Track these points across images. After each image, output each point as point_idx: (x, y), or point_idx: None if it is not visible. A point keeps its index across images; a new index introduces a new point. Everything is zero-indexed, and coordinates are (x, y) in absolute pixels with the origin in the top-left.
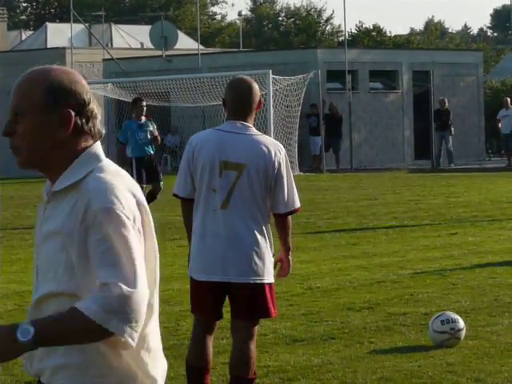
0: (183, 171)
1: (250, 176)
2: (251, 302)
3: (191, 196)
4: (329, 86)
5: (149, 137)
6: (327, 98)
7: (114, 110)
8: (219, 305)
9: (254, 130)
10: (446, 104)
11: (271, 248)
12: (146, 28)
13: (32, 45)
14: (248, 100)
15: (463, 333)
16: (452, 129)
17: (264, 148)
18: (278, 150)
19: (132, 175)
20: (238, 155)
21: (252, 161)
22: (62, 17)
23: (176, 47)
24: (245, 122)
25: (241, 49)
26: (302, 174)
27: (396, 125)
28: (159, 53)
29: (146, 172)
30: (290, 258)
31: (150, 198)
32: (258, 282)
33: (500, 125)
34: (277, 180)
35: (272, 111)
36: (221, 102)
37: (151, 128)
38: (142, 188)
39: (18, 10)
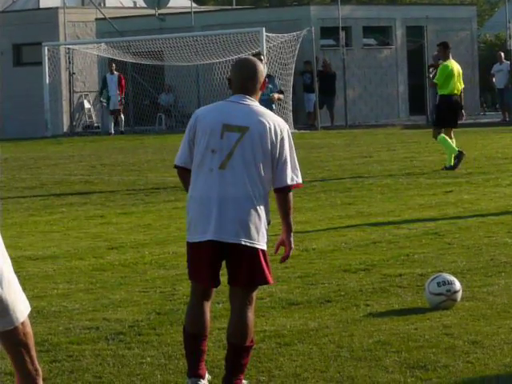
0: (183, 141)
1: (253, 139)
2: (247, 268)
3: (187, 165)
4: (322, 43)
5: (267, 92)
6: (321, 55)
7: (109, 69)
8: (216, 270)
9: (259, 105)
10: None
11: (267, 216)
12: None
13: (24, 5)
14: (253, 79)
15: (459, 294)
16: None
17: (268, 119)
18: (281, 125)
19: None
20: (242, 119)
21: (255, 125)
22: None
23: (169, 5)
24: (250, 96)
25: (234, 6)
26: (296, 131)
27: (390, 81)
28: (152, 12)
29: None
30: (292, 239)
31: None
32: (250, 245)
33: (494, 79)
34: (279, 155)
35: (265, 69)
36: (214, 60)
37: (272, 85)
38: None
39: None
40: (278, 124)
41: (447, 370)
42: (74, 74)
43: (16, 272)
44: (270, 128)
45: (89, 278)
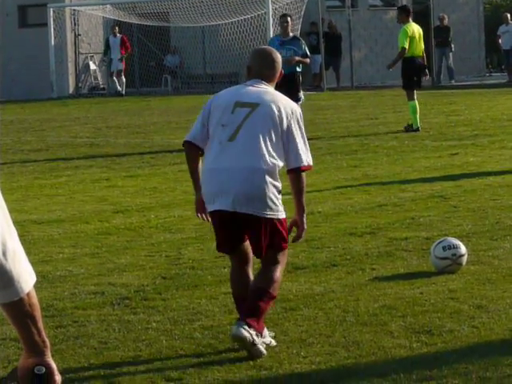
0: (197, 118)
1: (262, 114)
2: (263, 237)
3: (196, 141)
4: (328, 4)
5: (289, 54)
6: (327, 16)
7: (111, 31)
8: (231, 237)
9: (273, 89)
10: (446, 20)
11: (277, 185)
12: None
13: None
14: (271, 68)
15: (465, 258)
16: (452, 45)
17: (280, 100)
18: (293, 108)
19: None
20: (254, 97)
21: (266, 102)
22: None
23: None
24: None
25: None
26: (302, 92)
27: (396, 42)
28: None
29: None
30: (305, 219)
31: None
32: (261, 215)
33: (500, 40)
34: (289, 136)
35: (272, 30)
36: (220, 22)
37: (296, 48)
38: None
39: None
40: (289, 106)
41: (452, 335)
42: (79, 35)
43: (21, 236)
44: (280, 108)
45: (94, 242)
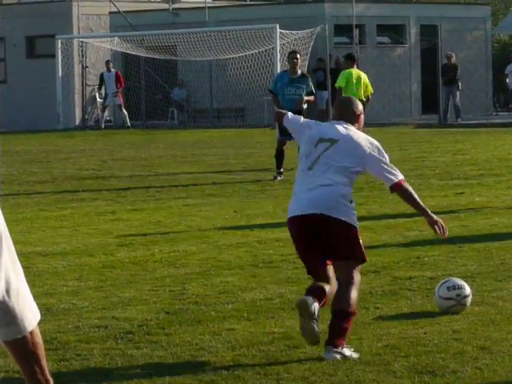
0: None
1: (339, 147)
2: (344, 240)
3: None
4: (336, 40)
5: (298, 92)
6: (334, 53)
7: (122, 63)
8: (316, 243)
9: (355, 129)
10: (454, 59)
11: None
12: None
13: None
14: (350, 113)
15: (469, 299)
16: (459, 84)
17: (359, 137)
18: (370, 140)
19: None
20: (335, 134)
21: (345, 138)
22: None
23: (183, 0)
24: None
25: (248, 2)
26: None
27: (403, 79)
28: (166, 6)
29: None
30: (431, 217)
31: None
32: (345, 220)
33: (507, 79)
34: (373, 163)
35: (279, 66)
36: (228, 56)
37: (305, 85)
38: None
39: None
40: (367, 139)
41: (456, 376)
42: (86, 67)
43: (26, 268)
44: (358, 142)
45: (98, 276)
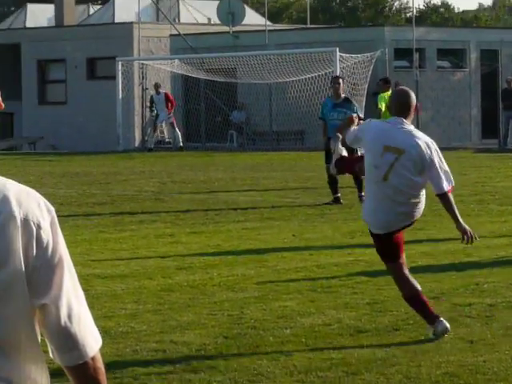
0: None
1: (407, 158)
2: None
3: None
4: (396, 64)
5: (340, 117)
6: (394, 76)
7: (181, 85)
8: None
9: (412, 126)
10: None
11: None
12: (214, 3)
13: (100, 19)
14: (408, 106)
15: None
16: None
17: (421, 141)
18: (429, 143)
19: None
20: (399, 142)
21: (410, 148)
22: None
23: (243, 23)
24: (405, 120)
25: (308, 25)
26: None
27: (463, 104)
28: (226, 29)
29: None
30: (462, 226)
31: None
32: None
33: None
34: (431, 168)
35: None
36: (288, 79)
37: (348, 110)
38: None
39: None
40: (428, 143)
41: None
42: (146, 89)
43: (85, 291)
44: (422, 148)
45: (157, 299)
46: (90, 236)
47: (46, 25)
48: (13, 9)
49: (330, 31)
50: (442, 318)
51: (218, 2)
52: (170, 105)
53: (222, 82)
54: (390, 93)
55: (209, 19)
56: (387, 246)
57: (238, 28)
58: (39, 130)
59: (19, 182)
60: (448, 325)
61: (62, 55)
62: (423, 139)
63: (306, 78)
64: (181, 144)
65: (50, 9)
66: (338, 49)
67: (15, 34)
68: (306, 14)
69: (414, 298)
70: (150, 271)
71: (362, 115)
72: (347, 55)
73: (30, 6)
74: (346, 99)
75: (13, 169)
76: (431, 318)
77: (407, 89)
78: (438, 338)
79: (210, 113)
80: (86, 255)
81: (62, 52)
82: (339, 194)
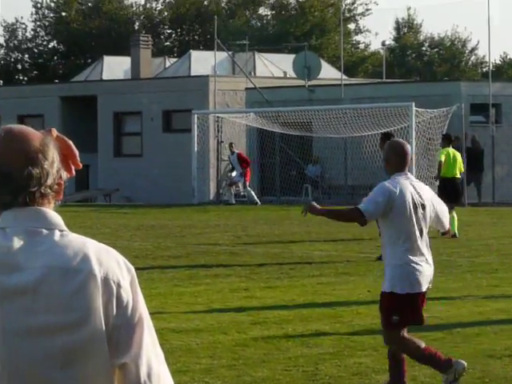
0: (377, 199)
1: (429, 211)
2: None
3: (369, 218)
4: (472, 119)
5: None
6: (470, 131)
7: (257, 138)
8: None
9: (415, 178)
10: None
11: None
12: (289, 57)
13: (176, 72)
14: (407, 161)
15: None
16: None
17: (429, 190)
18: (428, 189)
19: None
20: (422, 197)
21: (428, 201)
22: (206, 44)
23: (319, 77)
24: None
25: (384, 79)
26: None
27: None
28: (302, 82)
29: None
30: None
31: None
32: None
33: None
34: (436, 211)
35: (414, 144)
36: (363, 133)
37: None
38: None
39: (162, 37)
40: (427, 189)
41: None
42: (222, 142)
43: (159, 344)
44: (432, 198)
45: (231, 354)
46: (165, 289)
47: (122, 77)
48: (89, 61)
49: (406, 85)
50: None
51: (293, 55)
52: (245, 164)
53: (297, 136)
54: (451, 150)
55: (284, 73)
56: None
57: (313, 82)
58: (114, 182)
59: (94, 234)
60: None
61: (138, 108)
62: (428, 188)
63: (380, 133)
64: (257, 201)
65: (126, 61)
66: (413, 103)
67: (92, 86)
68: (382, 68)
69: (428, 355)
70: (225, 326)
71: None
72: (423, 110)
73: (107, 59)
74: None
75: (88, 221)
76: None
77: (402, 141)
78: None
79: (285, 166)
80: (160, 309)
81: (138, 104)
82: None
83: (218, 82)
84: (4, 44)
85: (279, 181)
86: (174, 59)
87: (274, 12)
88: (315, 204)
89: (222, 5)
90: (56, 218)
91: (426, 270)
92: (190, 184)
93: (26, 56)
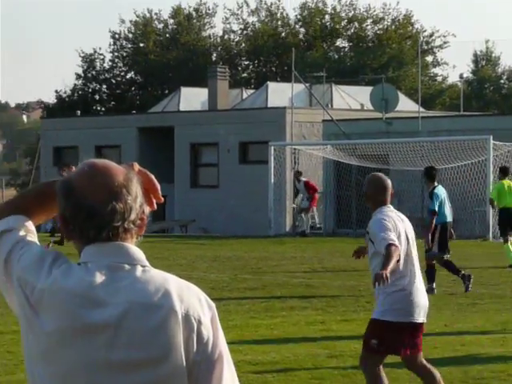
0: (388, 227)
1: (414, 239)
2: None
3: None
4: None
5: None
6: None
7: (333, 171)
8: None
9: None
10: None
11: None
12: (367, 89)
13: (253, 103)
14: (389, 191)
15: None
16: None
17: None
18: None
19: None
20: (407, 227)
21: (411, 229)
22: (283, 76)
23: (396, 109)
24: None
25: (461, 112)
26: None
27: None
28: (379, 115)
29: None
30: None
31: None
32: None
33: None
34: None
35: (491, 177)
36: (441, 166)
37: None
38: None
39: (239, 68)
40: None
41: None
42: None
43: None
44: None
45: None
46: (242, 321)
47: (199, 108)
48: (166, 92)
49: (484, 119)
50: None
51: (371, 87)
52: (312, 191)
53: (374, 168)
54: (506, 181)
55: (362, 105)
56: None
57: (391, 114)
58: (191, 213)
59: (170, 265)
60: None
61: (215, 139)
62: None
63: (458, 166)
64: (305, 231)
65: (203, 92)
66: (491, 136)
67: (169, 118)
68: (460, 101)
69: None
70: (301, 358)
71: None
72: (501, 143)
73: (184, 90)
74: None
75: (164, 252)
76: None
77: (382, 175)
78: None
79: (362, 199)
80: (237, 341)
81: (215, 136)
82: (434, 285)
83: (295, 114)
84: (82, 74)
85: (355, 213)
86: (251, 91)
87: (351, 44)
88: (379, 272)
89: (300, 36)
90: (138, 253)
91: (421, 299)
92: (266, 215)
93: (104, 86)
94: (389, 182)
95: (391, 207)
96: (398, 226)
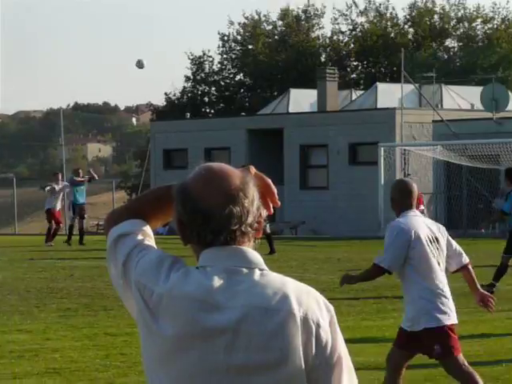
0: (394, 246)
1: (443, 245)
2: None
3: (391, 269)
4: None
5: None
6: None
7: (443, 171)
8: None
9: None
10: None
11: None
12: (477, 89)
13: (362, 104)
14: (413, 195)
15: None
16: None
17: (437, 224)
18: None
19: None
20: (432, 232)
21: (438, 233)
22: (393, 76)
23: (507, 109)
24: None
25: None
26: None
27: None
28: (489, 115)
29: None
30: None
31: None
32: None
33: None
34: (451, 244)
35: None
36: None
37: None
38: None
39: (348, 69)
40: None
41: None
42: (409, 174)
43: None
44: (441, 231)
45: None
46: (354, 323)
47: (308, 110)
48: (275, 93)
49: None
50: None
51: (481, 87)
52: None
53: (485, 169)
54: None
55: (472, 105)
56: None
57: (501, 114)
58: (301, 215)
59: (281, 266)
60: None
61: (325, 140)
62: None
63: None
64: None
65: (312, 94)
66: None
67: (278, 119)
68: None
69: None
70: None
71: None
72: None
73: (293, 92)
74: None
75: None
76: None
77: (407, 181)
78: None
79: (472, 199)
80: (348, 342)
81: (325, 137)
82: (496, 283)
83: (404, 115)
84: (191, 77)
85: (466, 214)
86: (361, 92)
87: (461, 44)
88: (348, 274)
89: (409, 37)
90: (256, 256)
91: (449, 303)
92: (375, 217)
93: (213, 89)
94: (414, 187)
95: (416, 212)
96: (418, 230)
